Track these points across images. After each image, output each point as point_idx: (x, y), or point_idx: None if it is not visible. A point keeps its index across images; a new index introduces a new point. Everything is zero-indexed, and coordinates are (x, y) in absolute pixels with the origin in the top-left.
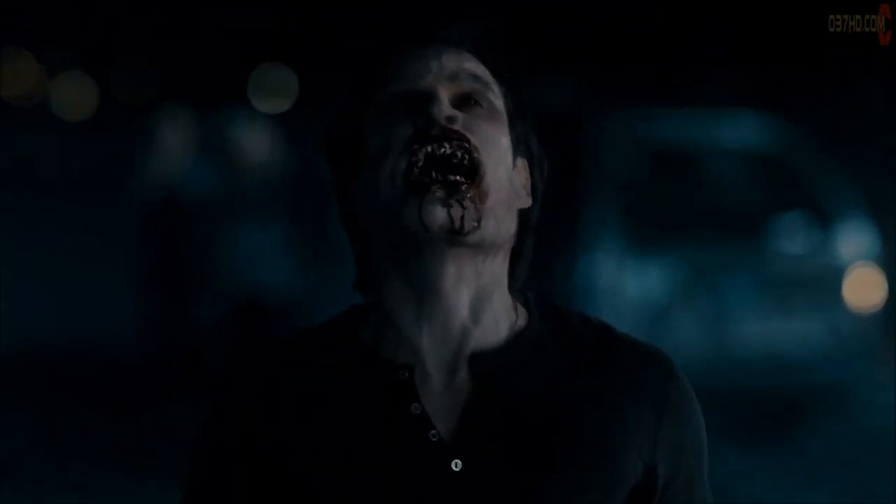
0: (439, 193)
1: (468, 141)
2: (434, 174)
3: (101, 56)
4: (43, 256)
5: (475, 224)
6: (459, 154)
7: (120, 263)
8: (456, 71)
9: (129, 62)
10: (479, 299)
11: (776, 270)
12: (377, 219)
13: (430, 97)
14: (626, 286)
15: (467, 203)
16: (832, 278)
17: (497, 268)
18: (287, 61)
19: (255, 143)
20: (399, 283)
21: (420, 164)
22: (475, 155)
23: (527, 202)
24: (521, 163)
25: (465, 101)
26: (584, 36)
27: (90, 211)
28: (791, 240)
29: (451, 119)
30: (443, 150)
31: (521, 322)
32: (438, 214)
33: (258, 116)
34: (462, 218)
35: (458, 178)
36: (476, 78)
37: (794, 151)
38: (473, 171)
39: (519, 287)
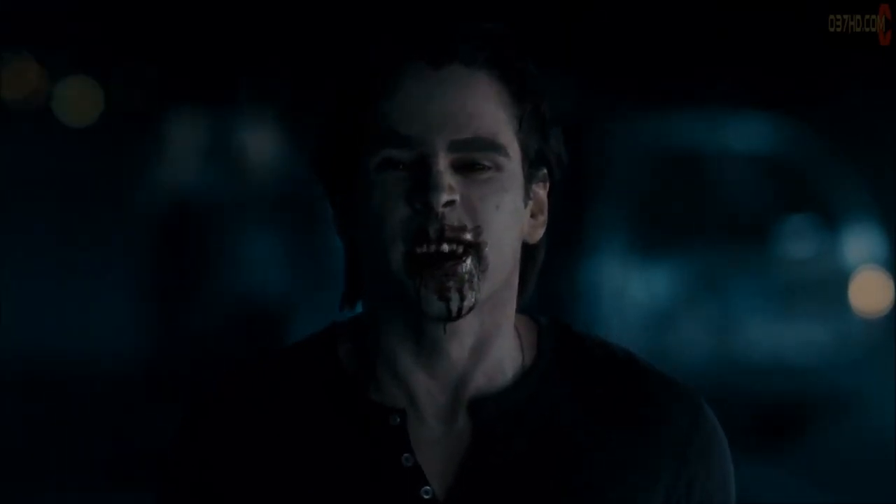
0: (434, 284)
1: (467, 234)
2: (431, 266)
3: (104, 60)
4: (43, 264)
5: (473, 304)
6: (458, 249)
7: (121, 271)
8: (462, 140)
9: (133, 66)
10: (481, 343)
11: (783, 274)
12: (373, 273)
13: (428, 174)
14: (632, 290)
15: (466, 290)
16: (839, 282)
17: (497, 313)
18: (287, 62)
19: (258, 148)
20: (396, 325)
21: (415, 258)
22: (475, 240)
23: (536, 236)
24: (539, 188)
25: (469, 166)
26: (586, 37)
27: (90, 217)
28: (797, 243)
29: (450, 203)
30: (440, 249)
31: (529, 358)
32: (436, 306)
33: (262, 119)
34: (460, 309)
35: (455, 263)
36: (484, 143)
37: (797, 153)
38: (473, 248)
39: (526, 300)
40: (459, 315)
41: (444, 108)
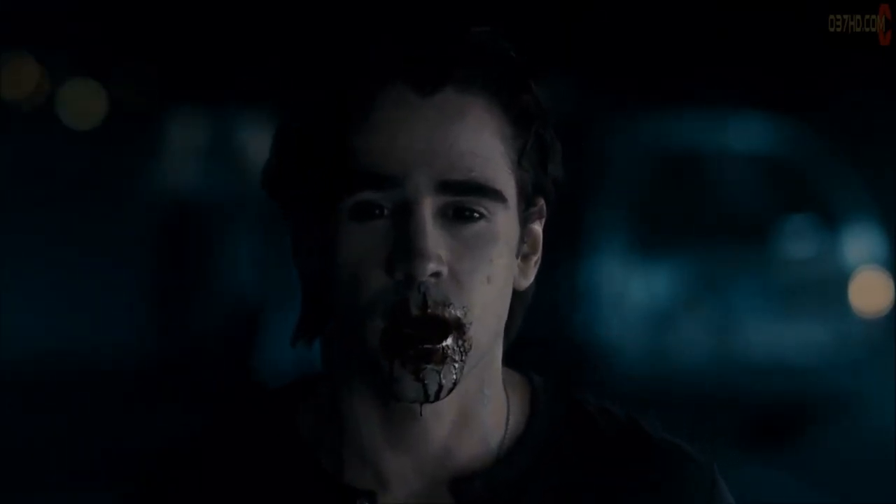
0: (411, 365)
1: (451, 311)
2: (408, 346)
3: (104, 60)
4: (44, 264)
5: (453, 385)
6: (438, 328)
7: (121, 271)
8: (452, 182)
9: (133, 66)
10: (463, 413)
11: (783, 274)
12: (341, 333)
13: (412, 231)
14: (632, 290)
15: (445, 371)
16: (839, 282)
17: (481, 377)
18: (288, 62)
19: (258, 148)
20: (362, 395)
21: (394, 336)
22: (459, 319)
23: (527, 281)
24: (535, 223)
25: (458, 213)
26: (586, 37)
27: (90, 217)
28: (797, 243)
29: (437, 275)
30: (420, 327)
31: (518, 423)
32: (411, 387)
33: (262, 119)
34: (438, 391)
35: (433, 344)
36: (477, 188)
37: (797, 153)
38: (455, 328)
39: (511, 341)
40: (437, 398)
41: (432, 144)
